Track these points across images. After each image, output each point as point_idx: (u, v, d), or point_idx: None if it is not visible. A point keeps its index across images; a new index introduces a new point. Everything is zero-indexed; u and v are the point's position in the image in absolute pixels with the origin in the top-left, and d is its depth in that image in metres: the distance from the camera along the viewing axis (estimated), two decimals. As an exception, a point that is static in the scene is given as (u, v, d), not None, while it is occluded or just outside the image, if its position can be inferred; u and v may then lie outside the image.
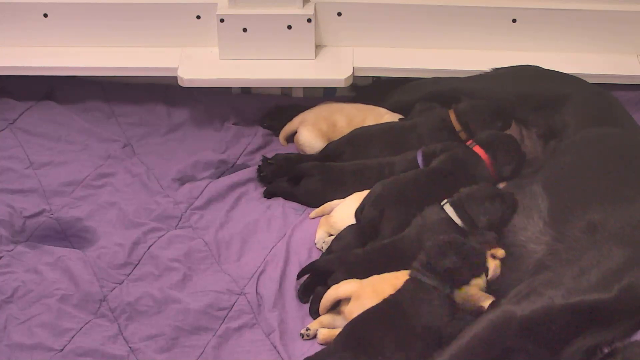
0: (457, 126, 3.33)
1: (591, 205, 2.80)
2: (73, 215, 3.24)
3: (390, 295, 2.68)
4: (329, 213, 3.16)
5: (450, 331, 2.60)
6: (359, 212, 3.05)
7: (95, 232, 3.18)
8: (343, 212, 3.11)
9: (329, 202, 3.20)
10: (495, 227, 2.90)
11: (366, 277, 2.82)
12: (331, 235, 3.08)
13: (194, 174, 3.45)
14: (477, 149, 3.17)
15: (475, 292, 2.76)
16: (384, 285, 2.75)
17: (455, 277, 2.67)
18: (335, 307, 2.81)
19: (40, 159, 3.50)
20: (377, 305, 2.67)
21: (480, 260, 2.72)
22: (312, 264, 2.95)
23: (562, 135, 3.20)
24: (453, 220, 2.89)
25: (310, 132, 3.49)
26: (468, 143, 3.21)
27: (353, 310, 2.72)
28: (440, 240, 2.71)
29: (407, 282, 2.70)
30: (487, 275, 2.80)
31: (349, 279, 2.82)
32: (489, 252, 2.88)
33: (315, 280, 2.92)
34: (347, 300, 2.77)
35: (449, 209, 2.90)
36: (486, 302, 2.74)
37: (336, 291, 2.79)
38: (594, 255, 2.63)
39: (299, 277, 2.95)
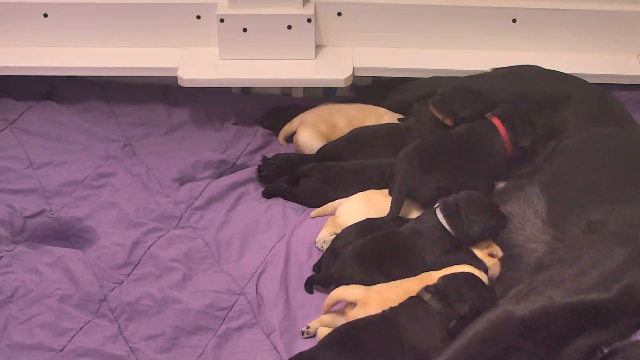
0: (439, 116, 3.32)
1: (591, 204, 2.81)
2: (73, 215, 3.24)
3: (391, 307, 2.68)
4: (331, 213, 3.16)
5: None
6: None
7: (95, 232, 3.18)
8: (350, 212, 3.09)
9: (331, 203, 3.19)
10: (485, 237, 2.89)
11: (371, 264, 2.83)
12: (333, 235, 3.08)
13: (194, 174, 3.45)
14: (495, 120, 3.17)
15: None
16: (391, 294, 2.74)
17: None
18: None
19: (40, 159, 3.50)
20: (374, 315, 2.67)
21: (490, 304, 2.68)
22: (327, 273, 2.93)
23: (562, 135, 3.20)
24: (445, 228, 2.88)
25: (310, 133, 3.48)
26: (486, 115, 3.20)
27: (357, 316, 2.71)
28: (462, 283, 2.68)
29: (410, 299, 2.69)
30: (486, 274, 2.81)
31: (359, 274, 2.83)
32: (486, 251, 2.88)
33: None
34: (351, 302, 2.77)
35: (439, 215, 2.89)
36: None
37: (342, 293, 2.79)
38: (593, 254, 2.63)
39: (310, 284, 2.95)
